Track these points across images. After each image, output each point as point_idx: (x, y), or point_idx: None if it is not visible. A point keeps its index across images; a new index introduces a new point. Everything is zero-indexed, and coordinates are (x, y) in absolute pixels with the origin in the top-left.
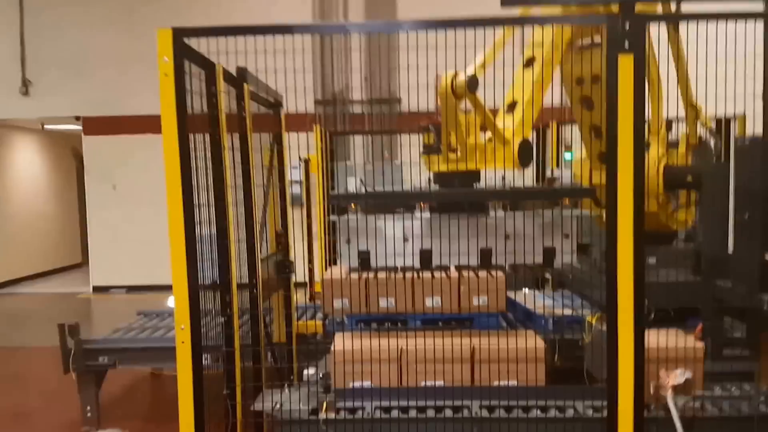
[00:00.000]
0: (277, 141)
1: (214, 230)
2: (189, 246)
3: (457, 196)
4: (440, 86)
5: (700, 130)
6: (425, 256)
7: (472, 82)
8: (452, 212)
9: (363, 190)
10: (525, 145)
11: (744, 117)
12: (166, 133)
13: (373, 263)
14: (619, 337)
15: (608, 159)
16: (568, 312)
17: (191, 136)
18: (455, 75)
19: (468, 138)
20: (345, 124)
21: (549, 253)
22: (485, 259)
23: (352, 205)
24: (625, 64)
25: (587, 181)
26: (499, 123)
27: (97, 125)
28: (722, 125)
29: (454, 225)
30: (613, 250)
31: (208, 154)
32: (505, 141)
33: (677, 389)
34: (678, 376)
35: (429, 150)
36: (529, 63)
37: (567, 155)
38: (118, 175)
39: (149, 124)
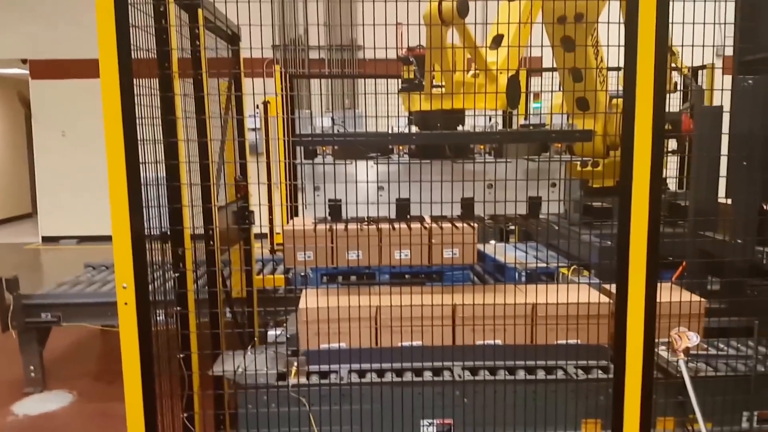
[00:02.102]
0: (235, 78)
1: (163, 173)
2: (132, 186)
3: (440, 138)
4: (426, 11)
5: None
6: (401, 206)
7: (463, 5)
8: (432, 158)
9: (336, 131)
10: (514, 82)
11: (713, 64)
12: (103, 50)
13: (343, 213)
14: (629, 296)
15: (625, 97)
16: (540, 264)
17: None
18: None
19: (453, 72)
20: (304, 69)
21: (535, 204)
22: (467, 209)
23: (322, 148)
24: None
25: None
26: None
27: (46, 69)
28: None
29: (435, 171)
30: (627, 199)
31: (156, 84)
32: (491, 77)
33: (687, 352)
34: (691, 339)
35: (409, 85)
36: None
37: (536, 105)
38: (67, 121)
39: None
